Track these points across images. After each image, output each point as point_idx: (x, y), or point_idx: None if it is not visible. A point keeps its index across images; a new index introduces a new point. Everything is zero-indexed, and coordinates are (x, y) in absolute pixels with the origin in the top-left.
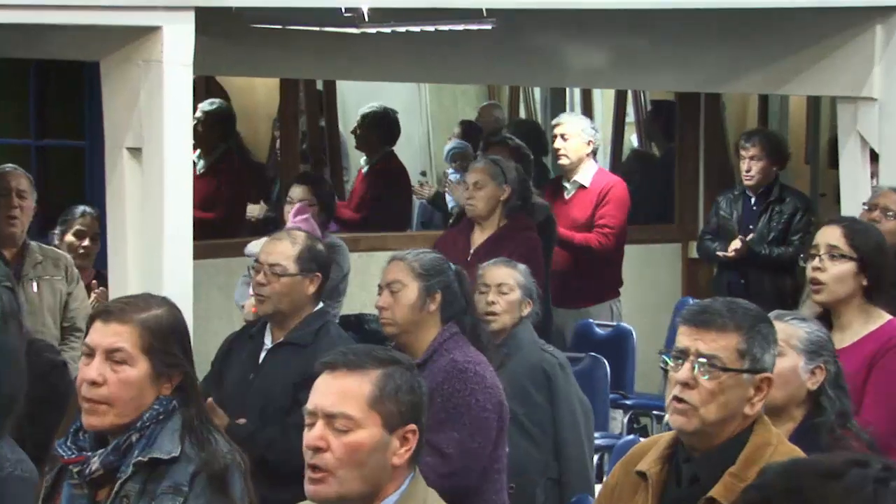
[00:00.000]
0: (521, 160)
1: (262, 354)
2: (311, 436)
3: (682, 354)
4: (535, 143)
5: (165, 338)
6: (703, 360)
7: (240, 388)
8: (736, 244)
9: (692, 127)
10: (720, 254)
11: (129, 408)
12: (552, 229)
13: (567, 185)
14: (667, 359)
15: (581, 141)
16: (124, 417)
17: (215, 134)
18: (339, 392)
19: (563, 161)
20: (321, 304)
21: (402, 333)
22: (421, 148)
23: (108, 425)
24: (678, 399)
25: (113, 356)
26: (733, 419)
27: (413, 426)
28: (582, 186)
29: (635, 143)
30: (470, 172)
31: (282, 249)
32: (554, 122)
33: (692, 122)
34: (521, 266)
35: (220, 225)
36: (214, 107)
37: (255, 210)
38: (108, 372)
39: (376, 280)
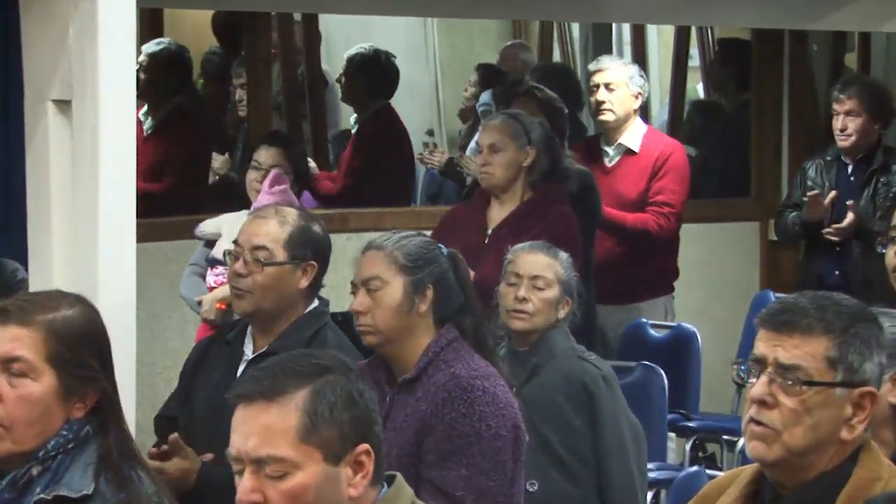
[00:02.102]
0: (552, 116)
1: (241, 367)
2: (242, 489)
3: (759, 364)
4: (570, 94)
5: (77, 345)
6: (783, 371)
7: (212, 411)
8: (847, 220)
9: (773, 74)
10: (826, 232)
11: (30, 433)
12: (593, 201)
13: (608, 149)
14: (741, 371)
15: (629, 92)
16: (23, 445)
17: (165, 83)
18: (261, 431)
19: (608, 117)
20: (317, 302)
21: (385, 343)
22: (427, 101)
23: (3, 454)
24: (755, 421)
25: (10, 367)
26: (827, 446)
27: (364, 446)
28: (629, 152)
29: (700, 94)
30: (483, 132)
31: (267, 230)
32: (593, 66)
33: (773, 69)
34: (563, 255)
35: (171, 199)
36: (162, 48)
37: (217, 162)
38: (4, 387)
39: None
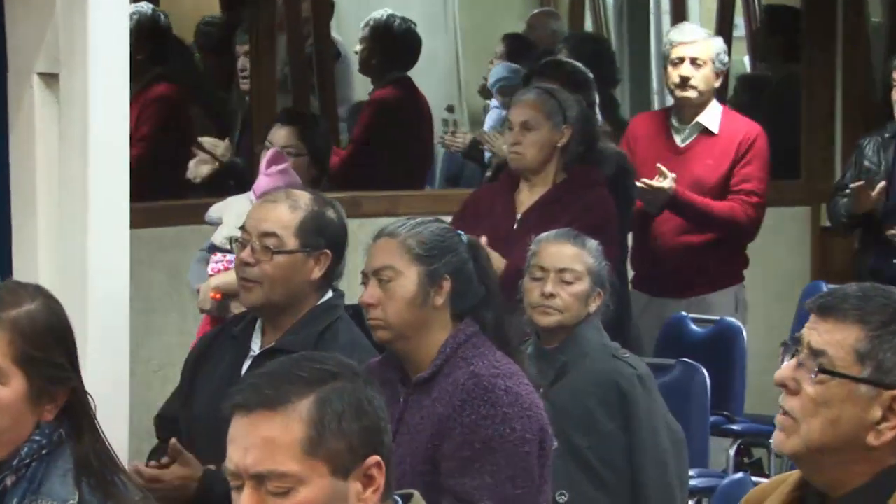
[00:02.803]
0: (582, 91)
1: (246, 363)
2: None
3: (795, 346)
4: (604, 68)
5: (45, 342)
6: (812, 356)
7: (214, 411)
8: None
9: (825, 44)
10: (890, 234)
11: (2, 441)
12: (629, 186)
13: (682, 127)
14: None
15: (713, 70)
16: None
17: (140, 52)
18: (262, 444)
19: (690, 94)
20: (330, 294)
21: (398, 339)
22: (447, 75)
23: None
24: (783, 411)
25: None
26: (852, 450)
27: (374, 458)
28: (706, 132)
29: (746, 67)
30: (515, 108)
31: (278, 215)
32: (676, 36)
33: (825, 38)
34: (591, 243)
35: (164, 181)
36: (133, 11)
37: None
38: None
39: None
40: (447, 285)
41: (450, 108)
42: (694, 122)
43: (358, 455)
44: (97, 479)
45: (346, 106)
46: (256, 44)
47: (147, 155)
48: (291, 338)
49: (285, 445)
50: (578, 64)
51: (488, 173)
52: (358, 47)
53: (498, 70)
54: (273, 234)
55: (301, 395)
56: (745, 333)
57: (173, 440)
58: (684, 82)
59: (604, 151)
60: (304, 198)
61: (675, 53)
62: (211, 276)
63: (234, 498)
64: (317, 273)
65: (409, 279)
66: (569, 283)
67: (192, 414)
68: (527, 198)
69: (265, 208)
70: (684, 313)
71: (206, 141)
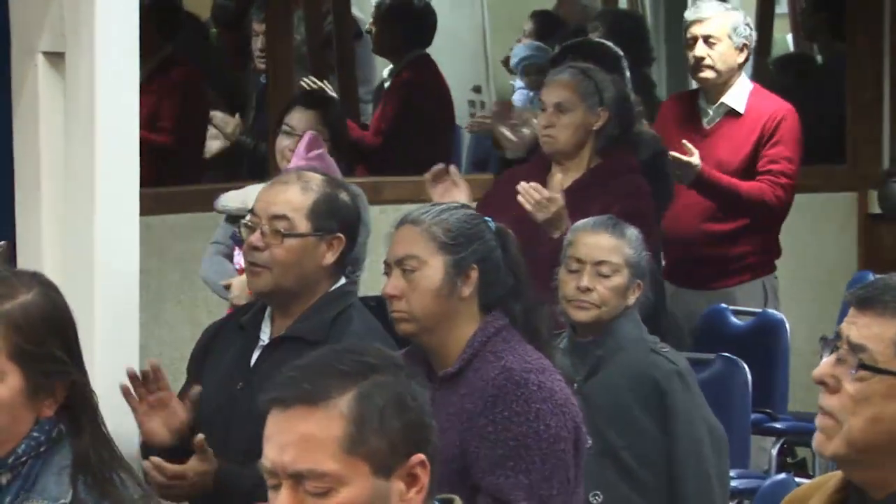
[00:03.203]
0: (613, 70)
1: (256, 354)
2: None
3: (836, 341)
4: (638, 46)
5: (41, 335)
6: (852, 351)
7: (223, 403)
8: None
9: (871, 22)
10: None
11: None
12: (664, 171)
13: (708, 108)
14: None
15: (733, 45)
16: None
17: (149, 30)
18: (300, 442)
19: (707, 75)
20: (343, 280)
21: (423, 332)
22: (473, 53)
23: None
24: (823, 410)
25: None
26: (894, 447)
27: (419, 457)
28: (732, 113)
29: (789, 46)
30: (548, 88)
31: (289, 197)
32: (690, 15)
33: (871, 16)
34: (631, 232)
35: (175, 166)
36: None
37: (225, 123)
38: None
39: None
40: (474, 275)
41: (476, 89)
42: (720, 102)
43: (400, 453)
44: (94, 478)
45: (366, 87)
46: (273, 21)
47: (171, 143)
48: (302, 325)
49: (325, 443)
50: (608, 43)
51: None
52: (371, 27)
53: (520, 49)
54: (284, 217)
55: (341, 389)
56: (787, 326)
57: (200, 436)
58: (698, 63)
59: (640, 135)
60: (315, 179)
61: (689, 33)
62: (243, 269)
63: (270, 497)
64: (329, 258)
65: (434, 269)
66: (606, 277)
67: (199, 410)
68: (559, 183)
69: (275, 190)
70: (724, 305)
71: (217, 116)
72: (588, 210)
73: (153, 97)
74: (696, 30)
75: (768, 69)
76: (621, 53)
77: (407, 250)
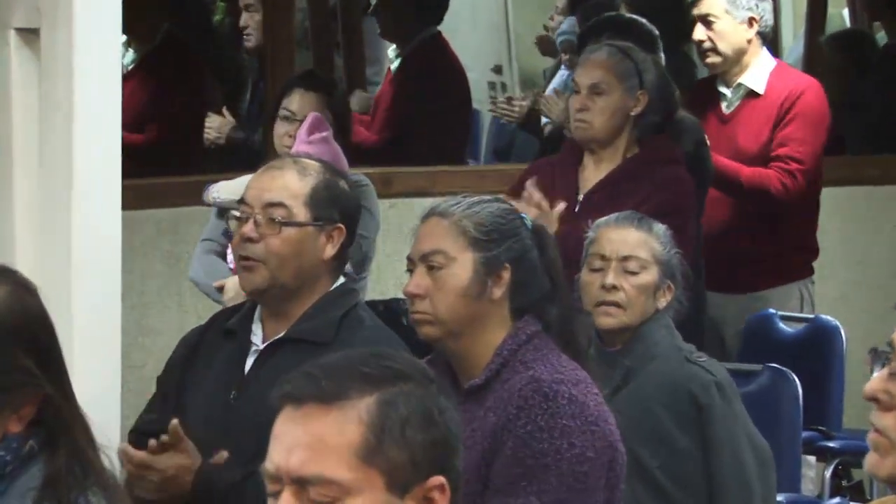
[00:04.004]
0: (647, 49)
1: (250, 360)
2: None
3: (888, 353)
4: (672, 22)
5: (5, 341)
6: None
7: (214, 416)
8: None
9: None
10: None
11: None
12: (705, 164)
13: (726, 91)
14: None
15: (734, 21)
16: None
17: (150, 8)
18: (310, 443)
19: (713, 60)
20: (343, 278)
21: (448, 337)
22: (494, 30)
23: None
24: (874, 428)
25: None
26: None
27: (440, 479)
28: (752, 94)
29: (846, 22)
30: (583, 68)
31: (284, 183)
32: None
33: None
34: (658, 227)
35: (161, 154)
36: None
37: (214, 124)
38: None
39: None
40: (507, 275)
41: (497, 69)
42: (737, 83)
43: (420, 471)
44: (59, 502)
45: (376, 67)
46: None
47: (164, 137)
48: (306, 325)
49: (338, 447)
50: (642, 20)
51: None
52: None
53: (569, 22)
54: (280, 205)
55: (363, 392)
56: (843, 334)
57: (175, 421)
58: (698, 47)
59: (682, 122)
60: (313, 165)
61: (693, 16)
62: (233, 269)
63: None
64: (329, 251)
65: (462, 267)
66: (633, 274)
67: (185, 422)
68: (592, 174)
69: (270, 175)
70: (772, 310)
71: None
72: (623, 205)
73: (146, 84)
74: (693, 11)
75: (821, 49)
76: (657, 33)
77: (433, 245)
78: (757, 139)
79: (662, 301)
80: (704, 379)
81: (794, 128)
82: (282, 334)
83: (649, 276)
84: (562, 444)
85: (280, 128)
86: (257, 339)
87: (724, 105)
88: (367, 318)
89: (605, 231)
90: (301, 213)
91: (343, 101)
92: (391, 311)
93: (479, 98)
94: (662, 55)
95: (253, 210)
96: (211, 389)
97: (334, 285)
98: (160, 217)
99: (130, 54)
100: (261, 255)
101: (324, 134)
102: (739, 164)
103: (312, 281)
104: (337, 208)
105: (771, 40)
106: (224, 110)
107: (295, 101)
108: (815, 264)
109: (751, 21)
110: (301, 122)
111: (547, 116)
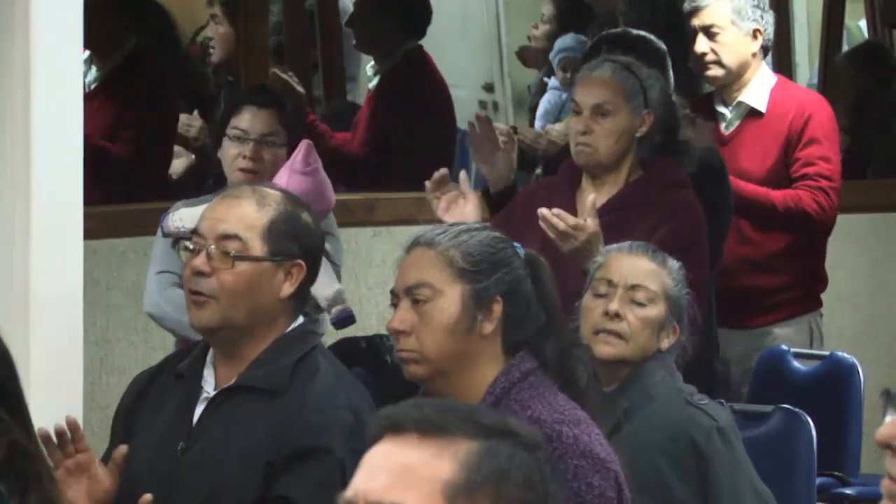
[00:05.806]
0: (652, 65)
1: (199, 408)
2: None
3: None
4: (676, 36)
5: None
6: None
7: (159, 468)
8: None
9: None
10: None
11: None
12: (723, 187)
13: (725, 110)
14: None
15: (739, 33)
16: None
17: (115, 19)
18: (397, 469)
19: (715, 73)
20: (301, 319)
21: (436, 376)
22: (485, 44)
23: None
24: (889, 475)
25: None
26: None
27: None
28: (753, 113)
29: (864, 34)
30: (585, 87)
31: (241, 214)
32: (687, 5)
33: None
34: (673, 264)
35: (129, 179)
36: None
37: (195, 123)
38: None
39: None
40: (498, 309)
41: (488, 87)
42: (737, 101)
43: None
44: None
45: (354, 84)
46: (246, 5)
47: (132, 157)
48: (258, 371)
49: (425, 480)
50: (651, 36)
51: (538, 170)
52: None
53: (565, 39)
54: (235, 237)
55: (469, 435)
56: (861, 372)
57: (147, 496)
58: (702, 60)
59: (686, 142)
60: (273, 195)
61: (690, 26)
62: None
63: None
64: (287, 289)
65: (450, 300)
66: (640, 305)
67: (130, 472)
68: (591, 203)
69: (226, 205)
70: (784, 346)
71: (181, 119)
72: (627, 233)
73: (111, 103)
74: (694, 21)
75: (836, 64)
76: (665, 49)
77: (419, 277)
78: (763, 162)
79: (666, 342)
80: (705, 424)
81: (818, 147)
82: (233, 381)
83: (656, 310)
84: (580, 486)
85: (231, 149)
86: (208, 385)
87: (722, 126)
88: (323, 365)
89: (615, 257)
90: (257, 247)
91: (296, 115)
92: (374, 349)
93: (469, 117)
94: (671, 73)
95: (206, 242)
96: (160, 439)
97: (292, 326)
98: (125, 246)
99: (94, 72)
100: (212, 291)
101: (317, 165)
102: (766, 188)
103: (268, 321)
104: (297, 243)
105: (783, 55)
106: (196, 112)
107: (245, 120)
108: (828, 296)
109: (755, 33)
110: (253, 140)
111: (528, 149)
